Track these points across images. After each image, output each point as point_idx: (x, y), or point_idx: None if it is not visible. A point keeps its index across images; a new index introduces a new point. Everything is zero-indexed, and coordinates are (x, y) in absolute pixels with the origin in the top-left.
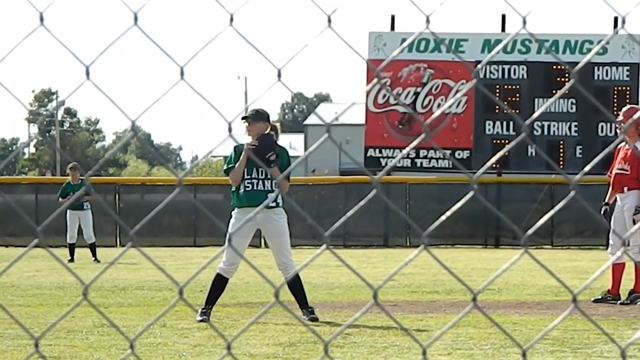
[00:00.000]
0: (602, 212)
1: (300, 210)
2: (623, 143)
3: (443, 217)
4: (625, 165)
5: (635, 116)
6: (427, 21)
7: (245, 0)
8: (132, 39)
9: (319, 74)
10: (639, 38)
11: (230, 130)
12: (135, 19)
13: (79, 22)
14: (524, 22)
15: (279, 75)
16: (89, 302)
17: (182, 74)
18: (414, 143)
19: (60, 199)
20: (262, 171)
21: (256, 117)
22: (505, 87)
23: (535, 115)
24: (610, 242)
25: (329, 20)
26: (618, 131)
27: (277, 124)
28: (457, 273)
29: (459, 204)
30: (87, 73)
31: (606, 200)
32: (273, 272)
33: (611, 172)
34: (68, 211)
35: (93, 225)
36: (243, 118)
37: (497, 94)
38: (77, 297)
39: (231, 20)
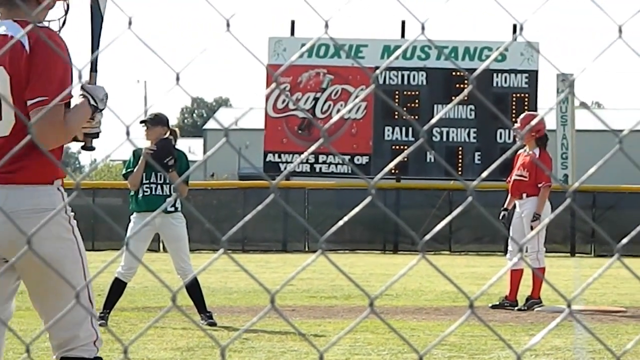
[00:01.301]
0: (500, 218)
1: (198, 214)
2: (522, 149)
3: (341, 222)
4: (524, 171)
5: (532, 123)
6: (326, 26)
7: (143, 4)
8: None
9: (219, 79)
10: (537, 45)
11: (128, 134)
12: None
13: None
14: (423, 28)
15: (177, 79)
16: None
17: (80, 77)
18: (312, 148)
19: None
20: (160, 175)
21: (155, 121)
22: (405, 93)
23: (433, 121)
24: (509, 248)
25: (228, 25)
26: (516, 138)
27: (176, 128)
28: (356, 278)
29: (356, 209)
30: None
31: (505, 206)
32: (172, 276)
33: (510, 179)
34: None
35: None
36: (142, 122)
37: (397, 100)
38: None
39: (129, 23)
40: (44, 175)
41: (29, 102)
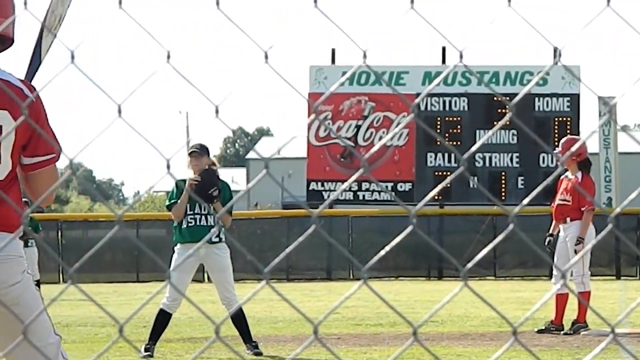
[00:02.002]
0: (546, 243)
1: (239, 246)
2: (565, 174)
3: (383, 251)
4: (567, 195)
5: (574, 147)
6: (364, 56)
7: (182, 36)
8: (70, 77)
9: (260, 108)
10: (577, 69)
11: (168, 167)
12: (72, 56)
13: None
14: (461, 57)
15: (217, 112)
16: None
17: (119, 111)
18: (352, 179)
19: None
20: (204, 207)
21: (203, 151)
22: (447, 119)
23: (474, 148)
24: (554, 272)
25: (266, 57)
26: (558, 163)
27: (214, 158)
28: (401, 305)
29: (399, 237)
30: (24, 110)
31: (550, 231)
32: (216, 306)
33: (554, 203)
34: None
35: (37, 262)
36: (190, 152)
37: (439, 126)
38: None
39: (168, 57)
40: (17, 222)
41: (42, 158)
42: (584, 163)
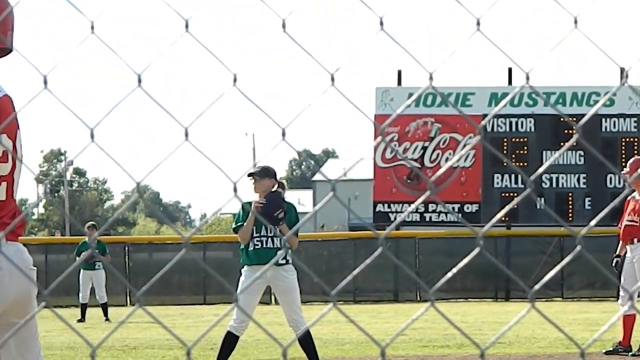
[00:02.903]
0: (613, 264)
1: (306, 268)
2: (633, 194)
3: (450, 273)
4: (635, 216)
5: None
6: (430, 78)
7: (248, 60)
8: (137, 100)
9: (326, 130)
10: None
11: (235, 190)
12: (139, 80)
13: (85, 83)
14: (527, 78)
15: (283, 134)
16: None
17: (186, 134)
18: (420, 200)
19: (76, 257)
20: (270, 229)
21: (262, 174)
22: (513, 140)
23: (541, 170)
24: (621, 293)
25: (332, 79)
26: (625, 183)
27: (283, 181)
28: (468, 327)
29: (466, 260)
30: (92, 135)
31: (617, 252)
32: (284, 328)
33: (621, 224)
34: (81, 271)
35: (105, 285)
36: (249, 175)
37: (505, 147)
38: (87, 357)
39: (235, 80)
40: (20, 232)
41: None
42: None
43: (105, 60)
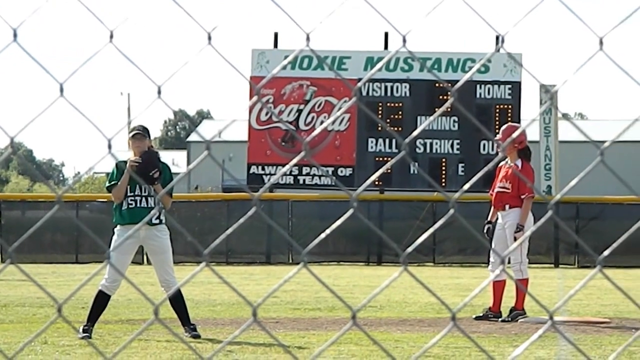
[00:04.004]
0: (485, 231)
1: (180, 228)
2: (504, 161)
3: (323, 235)
4: (507, 183)
5: (514, 135)
6: (307, 39)
7: (125, 17)
8: (13, 55)
9: (201, 91)
10: (519, 57)
11: (110, 147)
12: (15, 35)
13: None
14: (404, 41)
15: (159, 92)
16: None
17: (61, 90)
18: (293, 162)
19: None
20: (145, 188)
21: (146, 134)
22: (388, 104)
23: (415, 133)
24: (491, 259)
25: (209, 38)
26: (498, 150)
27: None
28: (340, 290)
29: (339, 222)
30: None
31: (489, 219)
32: (155, 288)
33: (493, 190)
34: None
35: None
36: (135, 134)
37: (380, 112)
38: None
39: (111, 37)
40: None
41: None
42: (524, 151)
43: None
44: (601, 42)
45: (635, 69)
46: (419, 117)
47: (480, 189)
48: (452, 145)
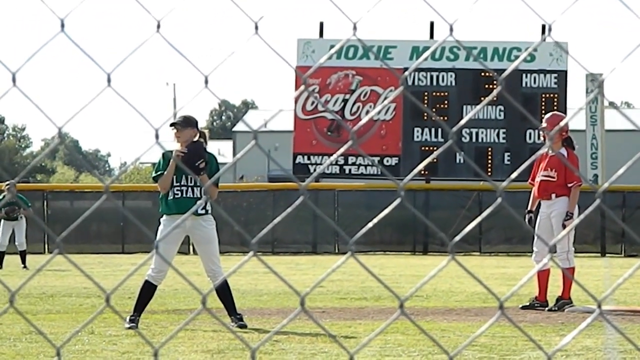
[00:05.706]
0: (527, 220)
1: (227, 217)
2: (546, 150)
3: (370, 224)
4: (552, 172)
5: (562, 123)
6: (354, 28)
7: (172, 7)
8: (60, 46)
9: (245, 81)
10: (565, 46)
11: (157, 137)
12: (62, 25)
13: (6, 29)
14: (451, 30)
15: (206, 82)
16: (16, 309)
17: (109, 80)
18: (340, 151)
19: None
20: (191, 178)
21: (184, 124)
22: (434, 94)
23: (462, 122)
24: (535, 249)
25: (256, 27)
26: (546, 138)
27: (206, 131)
28: (386, 280)
29: (386, 211)
30: (14, 80)
31: (529, 208)
32: (202, 279)
33: (533, 180)
34: (2, 221)
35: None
36: (171, 125)
37: (426, 101)
38: (4, 304)
39: (158, 27)
40: None
41: None
42: (567, 140)
43: (28, 4)
44: None
45: None
46: (464, 107)
47: (526, 178)
48: (497, 135)
